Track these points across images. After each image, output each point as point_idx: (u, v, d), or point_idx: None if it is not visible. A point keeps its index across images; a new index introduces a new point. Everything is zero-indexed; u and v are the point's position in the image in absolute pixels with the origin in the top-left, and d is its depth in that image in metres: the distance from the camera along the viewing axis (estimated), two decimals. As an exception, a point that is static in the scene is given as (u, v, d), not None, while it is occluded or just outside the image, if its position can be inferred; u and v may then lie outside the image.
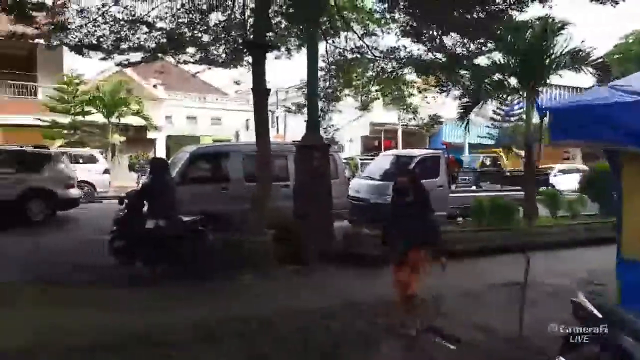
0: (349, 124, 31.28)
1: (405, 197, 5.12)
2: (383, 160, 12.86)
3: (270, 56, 13.20)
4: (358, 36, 11.40)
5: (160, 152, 28.11)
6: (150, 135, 27.29)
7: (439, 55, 11.25)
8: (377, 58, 11.54)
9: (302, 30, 9.43)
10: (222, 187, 9.47)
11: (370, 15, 11.21)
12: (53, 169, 12.73)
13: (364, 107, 13.68)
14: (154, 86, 27.49)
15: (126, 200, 7.59)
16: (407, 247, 5.03)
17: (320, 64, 13.74)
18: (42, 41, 22.48)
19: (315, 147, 8.34)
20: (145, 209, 7.56)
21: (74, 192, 13.33)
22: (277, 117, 31.74)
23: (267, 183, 8.16)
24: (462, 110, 12.19)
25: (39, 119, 20.93)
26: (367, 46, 11.44)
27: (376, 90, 12.84)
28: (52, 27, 10.46)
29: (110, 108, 21.31)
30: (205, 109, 32.25)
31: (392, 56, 11.45)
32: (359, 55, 11.80)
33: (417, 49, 11.24)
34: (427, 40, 10.91)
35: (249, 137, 33.08)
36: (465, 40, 10.80)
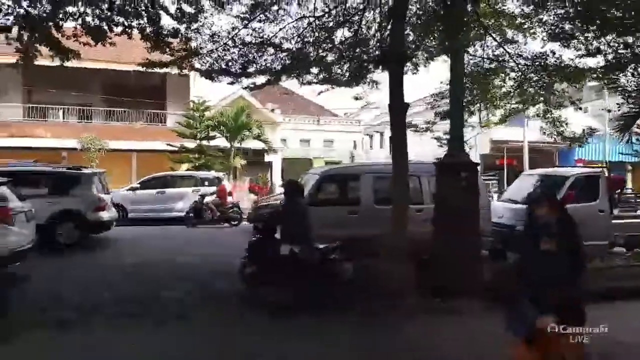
0: (467, 141, 29.73)
1: (544, 232, 3.54)
2: (527, 180, 11.46)
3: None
4: (498, 43, 10.30)
5: (276, 174, 28.66)
6: (267, 158, 27.96)
7: (595, 60, 9.77)
8: (521, 66, 10.33)
9: (445, 41, 8.58)
10: (350, 211, 8.84)
11: (512, 20, 10.07)
12: (82, 191, 12.19)
13: (503, 121, 12.41)
14: (272, 110, 28.19)
15: (259, 225, 7.23)
16: (542, 314, 3.39)
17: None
18: (172, 71, 24.30)
19: (461, 166, 7.39)
20: (278, 234, 7.16)
21: (105, 214, 12.69)
22: (389, 137, 30.93)
23: (405, 206, 7.36)
24: (622, 122, 10.45)
25: (169, 144, 22.21)
26: (509, 53, 10.29)
27: (516, 103, 11.54)
28: (185, 52, 10.71)
29: (233, 132, 22.02)
30: (318, 132, 32.50)
31: (538, 63, 10.17)
32: (497, 65, 10.67)
33: (568, 54, 9.82)
34: (581, 43, 9.54)
35: (358, 158, 32.83)
36: (630, 41, 9.28)
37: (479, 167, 7.93)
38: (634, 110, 10.27)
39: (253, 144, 24.63)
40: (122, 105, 24.96)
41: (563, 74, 10.12)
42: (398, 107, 7.59)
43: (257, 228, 7.27)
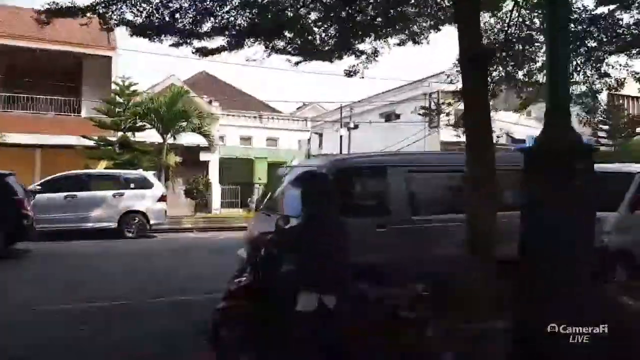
0: (414, 143, 27.95)
1: None
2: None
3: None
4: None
5: (213, 176, 25.14)
6: (202, 157, 24.39)
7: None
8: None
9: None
10: (376, 224, 5.87)
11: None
12: None
13: (523, 106, 10.01)
14: (209, 102, 24.55)
15: (260, 252, 4.09)
16: None
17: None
18: (88, 51, 20.26)
19: (568, 151, 4.66)
20: (289, 269, 4.09)
21: None
22: (340, 136, 28.49)
23: (491, 218, 4.56)
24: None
25: (85, 137, 18.12)
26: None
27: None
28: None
29: (167, 123, 18.25)
30: (260, 129, 29.30)
31: (589, 29, 7.78)
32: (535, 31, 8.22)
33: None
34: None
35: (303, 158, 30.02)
36: None
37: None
38: None
39: (187, 140, 21.03)
40: (27, 90, 20.46)
41: (620, 43, 7.80)
42: (475, 57, 4.77)
43: (250, 260, 4.15)
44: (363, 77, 9.35)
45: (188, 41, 8.72)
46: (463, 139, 17.94)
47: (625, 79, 7.89)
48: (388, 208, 5.93)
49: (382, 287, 4.33)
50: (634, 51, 7.49)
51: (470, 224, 4.71)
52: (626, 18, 7.24)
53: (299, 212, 4.37)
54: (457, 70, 9.53)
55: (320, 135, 38.25)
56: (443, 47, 10.76)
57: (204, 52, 9.25)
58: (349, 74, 9.57)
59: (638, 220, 7.50)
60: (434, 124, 27.58)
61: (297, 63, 9.88)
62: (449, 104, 10.79)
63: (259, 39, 9.13)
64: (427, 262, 5.47)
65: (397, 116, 30.62)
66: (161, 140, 19.00)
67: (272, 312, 3.83)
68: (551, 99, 4.92)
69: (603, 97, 9.53)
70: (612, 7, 7.29)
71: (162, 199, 15.21)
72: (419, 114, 15.43)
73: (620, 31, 7.35)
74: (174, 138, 19.31)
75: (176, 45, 8.86)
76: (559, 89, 4.91)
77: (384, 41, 9.68)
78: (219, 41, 9.02)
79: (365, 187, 6.44)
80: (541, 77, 9.02)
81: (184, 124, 18.78)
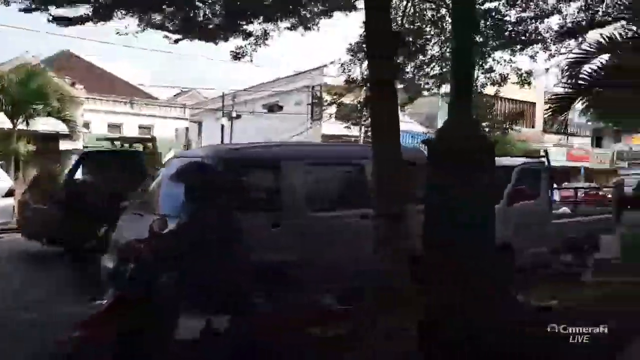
0: (297, 135, 27.88)
1: None
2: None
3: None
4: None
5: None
6: (63, 145, 21.67)
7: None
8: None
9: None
10: (271, 222, 5.28)
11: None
12: None
13: (412, 99, 10.01)
14: (72, 84, 21.88)
15: (130, 263, 3.26)
16: None
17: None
18: None
19: (469, 147, 4.48)
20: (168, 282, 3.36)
21: None
22: (222, 125, 27.40)
23: (402, 211, 4.23)
24: (559, 104, 8.73)
25: None
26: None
27: (432, 76, 9.22)
28: None
29: (19, 105, 15.72)
30: (132, 116, 26.96)
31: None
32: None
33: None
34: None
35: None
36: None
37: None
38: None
39: (44, 126, 18.44)
40: None
41: (504, 40, 8.07)
42: (382, 42, 4.37)
43: (117, 273, 3.30)
44: (252, 61, 8.66)
45: (43, 7, 7.36)
46: (351, 132, 17.85)
47: (508, 74, 8.20)
48: (284, 203, 5.36)
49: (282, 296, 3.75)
50: (517, 47, 7.77)
51: (379, 218, 4.35)
52: (512, 15, 7.46)
53: (180, 211, 3.67)
54: (350, 59, 9.32)
55: (200, 124, 36.53)
56: (333, 37, 10.47)
57: (63, 22, 7.87)
58: (236, 56, 8.83)
59: (515, 213, 7.84)
60: (316, 116, 27.82)
61: (176, 41, 8.87)
62: (340, 95, 10.55)
63: (131, 11, 8.02)
64: (329, 263, 5.02)
65: (280, 107, 30.19)
66: (10, 126, 16.39)
67: (144, 336, 3.07)
68: (457, 94, 4.72)
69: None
70: (498, 3, 7.44)
71: (10, 193, 13.03)
72: (308, 104, 15.16)
73: (505, 27, 7.54)
74: (27, 123, 16.78)
75: (28, 10, 7.45)
76: (460, 84, 4.74)
77: (274, 24, 9.11)
78: (83, 9, 7.78)
79: (258, 180, 5.80)
80: (430, 70, 9.11)
81: (40, 106, 16.39)
